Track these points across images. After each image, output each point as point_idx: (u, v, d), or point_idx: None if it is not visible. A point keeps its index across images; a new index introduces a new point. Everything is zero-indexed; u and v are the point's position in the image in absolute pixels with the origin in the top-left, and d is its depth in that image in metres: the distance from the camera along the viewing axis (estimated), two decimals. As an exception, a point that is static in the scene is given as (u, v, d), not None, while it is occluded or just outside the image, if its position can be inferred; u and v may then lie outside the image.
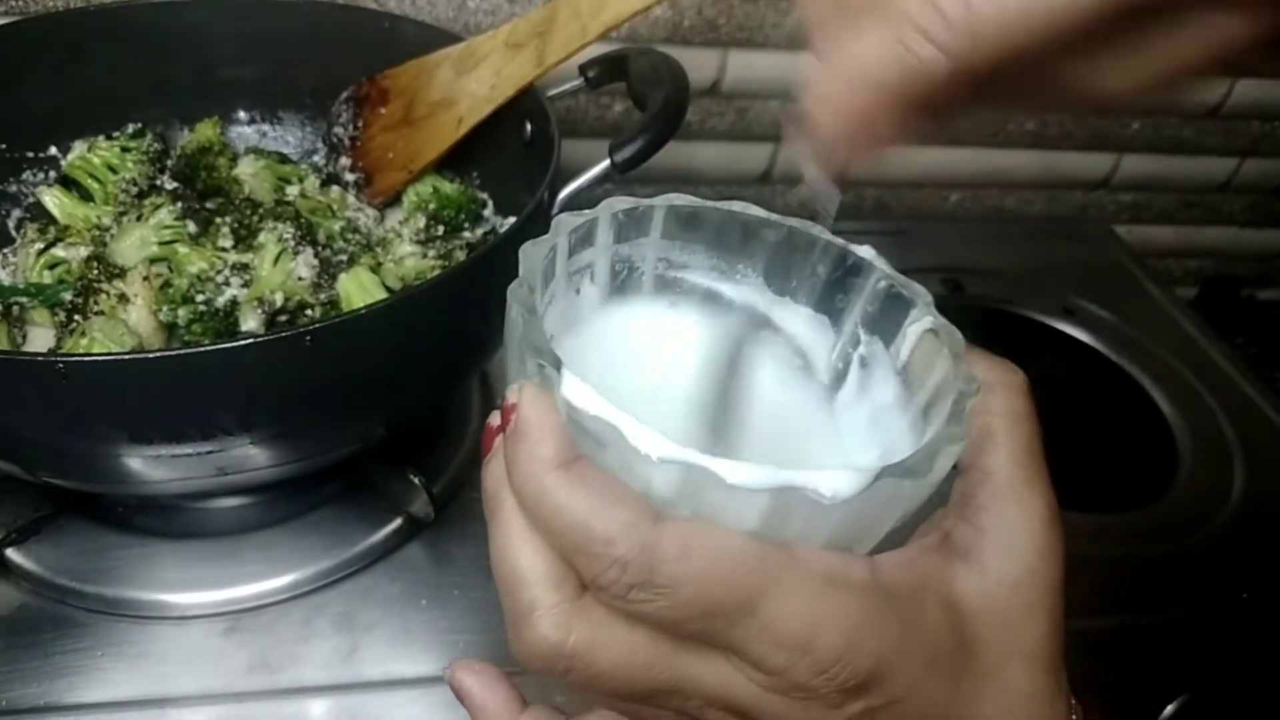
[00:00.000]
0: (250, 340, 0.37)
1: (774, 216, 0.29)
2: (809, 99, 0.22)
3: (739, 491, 0.20)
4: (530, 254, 0.25)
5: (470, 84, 0.57)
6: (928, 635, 0.23)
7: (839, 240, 0.28)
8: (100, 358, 0.38)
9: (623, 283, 0.30)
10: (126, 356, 0.38)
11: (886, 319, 0.28)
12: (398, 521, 0.53)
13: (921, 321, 0.26)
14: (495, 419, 0.25)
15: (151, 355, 0.39)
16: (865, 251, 0.28)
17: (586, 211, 0.27)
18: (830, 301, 0.29)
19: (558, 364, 0.22)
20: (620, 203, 0.28)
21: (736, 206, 0.29)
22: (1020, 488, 0.25)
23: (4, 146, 0.61)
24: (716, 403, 0.27)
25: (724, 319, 0.30)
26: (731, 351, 0.29)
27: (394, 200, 0.63)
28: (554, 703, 0.29)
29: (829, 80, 0.21)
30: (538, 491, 0.22)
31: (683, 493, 0.21)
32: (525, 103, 0.55)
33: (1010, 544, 0.24)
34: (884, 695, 0.22)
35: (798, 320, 0.30)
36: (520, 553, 0.23)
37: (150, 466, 0.42)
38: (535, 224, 0.46)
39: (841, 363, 0.29)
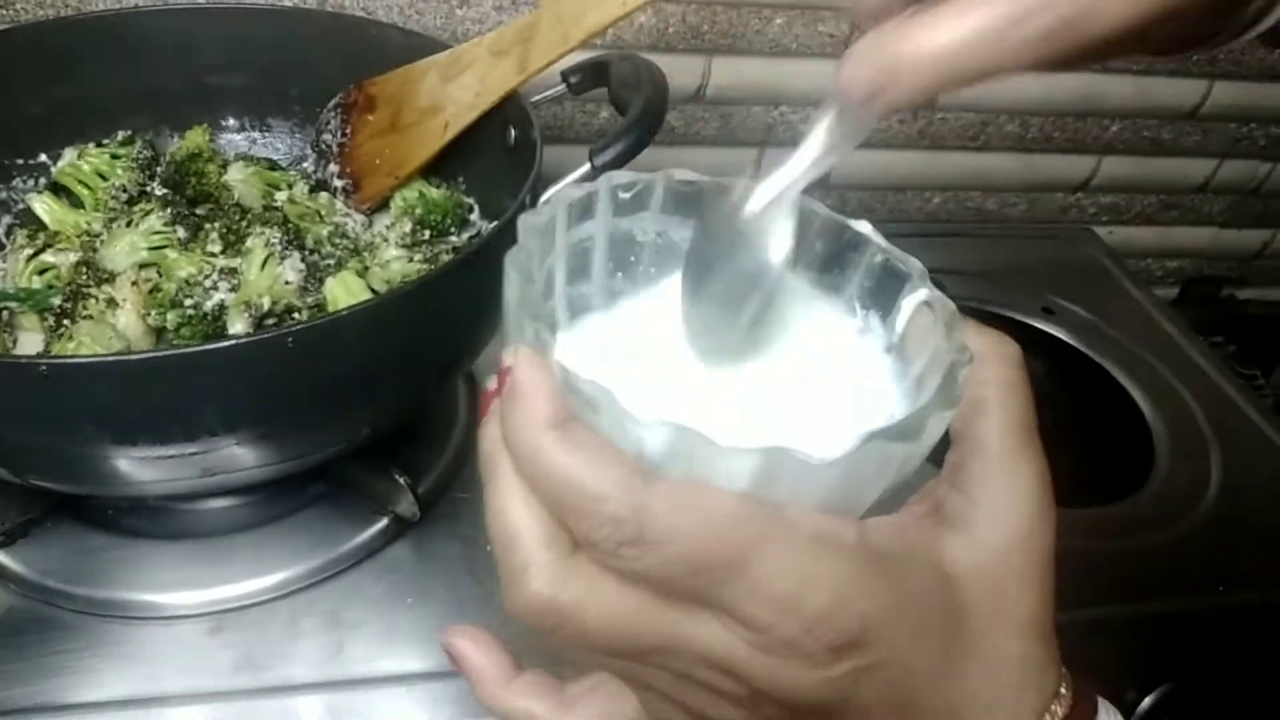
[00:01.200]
0: (232, 342, 0.37)
1: None
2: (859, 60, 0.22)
3: (729, 452, 0.21)
4: (529, 223, 0.26)
5: (456, 91, 0.58)
6: (917, 599, 0.23)
7: (837, 215, 0.28)
8: (82, 359, 0.39)
9: (624, 256, 0.30)
10: (108, 358, 0.39)
11: (883, 292, 0.28)
12: (384, 521, 0.54)
13: (916, 294, 0.27)
14: (492, 383, 0.25)
15: (133, 357, 0.40)
16: (863, 226, 0.28)
17: (586, 185, 0.28)
18: (828, 275, 0.29)
19: (553, 328, 0.22)
20: (619, 176, 0.28)
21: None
22: (1012, 457, 0.25)
23: (-6, 154, 0.61)
24: (709, 369, 0.28)
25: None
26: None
27: (381, 205, 0.63)
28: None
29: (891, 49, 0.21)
30: (532, 451, 0.22)
31: (674, 454, 0.22)
32: (510, 109, 0.56)
33: (1001, 512, 0.24)
34: (871, 656, 0.22)
35: (796, 294, 0.30)
36: (515, 512, 0.23)
37: (136, 468, 0.43)
38: (516, 228, 0.47)
39: (839, 334, 0.29)
